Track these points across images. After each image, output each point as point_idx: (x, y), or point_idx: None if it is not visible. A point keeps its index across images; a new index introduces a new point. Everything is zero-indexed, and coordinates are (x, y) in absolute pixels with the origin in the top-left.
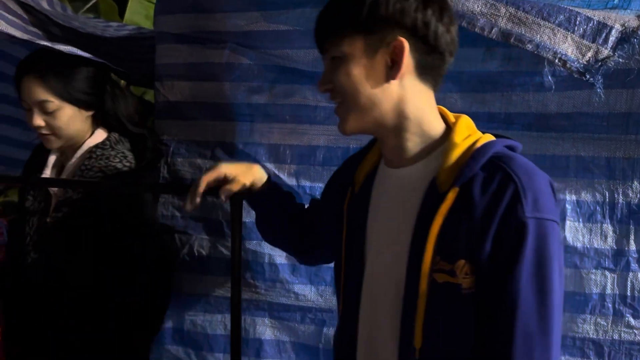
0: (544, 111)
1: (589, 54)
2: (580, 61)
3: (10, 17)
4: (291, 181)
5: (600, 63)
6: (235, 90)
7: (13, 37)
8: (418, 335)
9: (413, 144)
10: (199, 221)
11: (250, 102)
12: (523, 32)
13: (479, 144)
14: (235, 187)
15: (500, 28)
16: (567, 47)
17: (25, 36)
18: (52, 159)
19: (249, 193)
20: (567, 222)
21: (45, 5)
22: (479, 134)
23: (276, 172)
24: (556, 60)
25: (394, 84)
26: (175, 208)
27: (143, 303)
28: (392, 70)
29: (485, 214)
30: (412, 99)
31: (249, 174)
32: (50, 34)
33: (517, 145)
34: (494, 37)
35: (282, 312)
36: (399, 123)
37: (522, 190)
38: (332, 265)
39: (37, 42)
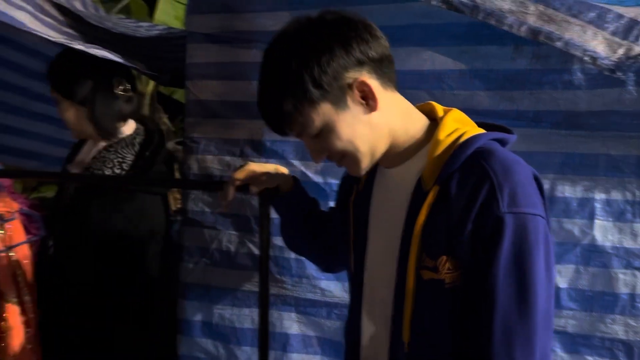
0: (574, 109)
1: (620, 51)
2: (611, 59)
3: (46, 18)
4: (318, 179)
5: (631, 60)
6: None
7: (48, 38)
8: (406, 330)
9: (400, 146)
10: (227, 217)
11: None
12: (552, 30)
13: (462, 140)
14: (262, 186)
15: (529, 25)
16: (597, 44)
17: (60, 37)
18: (84, 149)
19: (275, 193)
20: (597, 221)
21: (79, 6)
22: (468, 127)
23: (303, 169)
24: (586, 58)
25: (376, 114)
26: (205, 204)
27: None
28: (369, 105)
29: (462, 210)
30: (393, 114)
31: (276, 175)
32: (83, 34)
33: (508, 138)
34: (522, 34)
35: (309, 308)
36: (393, 138)
37: (497, 185)
38: None
39: (70, 44)
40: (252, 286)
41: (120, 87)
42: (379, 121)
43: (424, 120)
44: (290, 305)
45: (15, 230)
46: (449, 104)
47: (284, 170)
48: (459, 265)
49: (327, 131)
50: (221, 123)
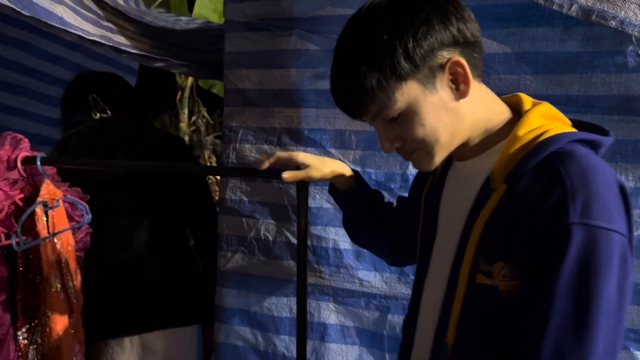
0: (627, 93)
1: None
2: None
3: (85, 12)
4: (356, 167)
5: None
6: (301, 77)
7: (83, 36)
8: (451, 332)
9: (477, 138)
10: (265, 206)
11: (317, 88)
12: (606, 9)
13: (542, 138)
14: (299, 175)
15: (580, 5)
16: None
17: (99, 32)
18: None
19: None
20: None
21: (120, 0)
22: (554, 124)
23: (341, 158)
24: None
25: (463, 102)
26: (243, 193)
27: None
28: (459, 90)
29: (526, 215)
30: (479, 103)
31: (321, 169)
32: (123, 28)
33: (602, 140)
34: (573, 14)
35: (347, 298)
36: (473, 130)
37: (570, 191)
38: None
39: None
40: (290, 275)
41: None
42: (465, 110)
43: (506, 113)
44: (328, 295)
45: (59, 217)
46: (494, 88)
47: (337, 164)
48: (517, 274)
49: (410, 114)
50: (259, 111)
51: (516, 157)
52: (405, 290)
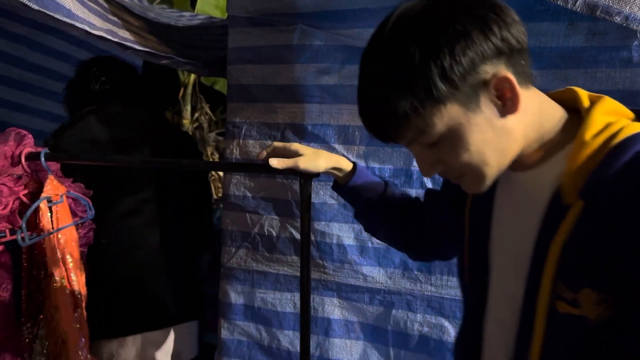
0: (632, 88)
1: None
2: None
3: (92, 4)
4: (359, 162)
5: None
6: (305, 72)
7: (89, 30)
8: None
9: (532, 147)
10: (269, 202)
11: (320, 84)
12: (610, 4)
13: (617, 140)
14: (288, 163)
15: (585, 0)
16: None
17: (105, 26)
18: None
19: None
20: None
21: None
22: (622, 122)
23: (345, 153)
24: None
25: (512, 118)
26: (247, 188)
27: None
28: (506, 106)
29: (618, 234)
30: (528, 112)
31: (313, 159)
32: (127, 23)
33: None
34: (578, 9)
35: (351, 293)
36: (525, 142)
37: None
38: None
39: (110, 38)
40: (294, 271)
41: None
42: (514, 125)
43: (560, 112)
44: (332, 290)
45: (63, 213)
46: None
47: (340, 163)
48: (606, 298)
49: (451, 139)
50: (263, 107)
51: (588, 167)
52: (409, 285)
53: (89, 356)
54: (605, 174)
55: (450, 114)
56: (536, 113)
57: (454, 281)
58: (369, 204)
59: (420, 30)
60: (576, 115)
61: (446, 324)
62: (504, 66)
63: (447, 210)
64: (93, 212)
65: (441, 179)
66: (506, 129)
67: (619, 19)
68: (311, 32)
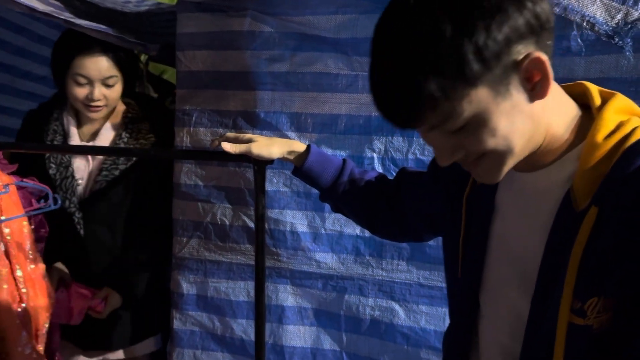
0: (571, 76)
1: (619, 17)
2: (609, 24)
3: None
4: None
5: (629, 26)
6: (256, 59)
7: (34, 10)
8: None
9: (544, 144)
10: (221, 190)
11: (272, 71)
12: None
13: (630, 142)
14: (241, 148)
15: None
16: (595, 9)
17: (47, 9)
18: (73, 129)
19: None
20: None
21: None
22: (634, 121)
23: (298, 140)
24: (584, 24)
25: (539, 103)
26: (198, 177)
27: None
28: (534, 90)
29: (627, 241)
30: (554, 102)
31: (266, 145)
32: (71, 7)
33: None
34: None
35: (304, 280)
36: (546, 134)
37: None
38: (354, 233)
39: (57, 16)
40: (247, 259)
41: None
42: (539, 111)
43: (574, 109)
44: (285, 278)
45: (9, 203)
46: None
47: (295, 147)
48: (610, 306)
49: (477, 124)
50: (214, 94)
51: (601, 170)
52: (361, 271)
53: (37, 354)
54: (619, 178)
55: (479, 97)
56: (557, 105)
57: (403, 265)
58: (330, 184)
59: (450, 3)
60: (586, 113)
61: (397, 307)
62: (534, 46)
63: (427, 194)
64: (51, 203)
65: (391, 168)
66: (533, 114)
67: (558, 10)
68: (262, 18)
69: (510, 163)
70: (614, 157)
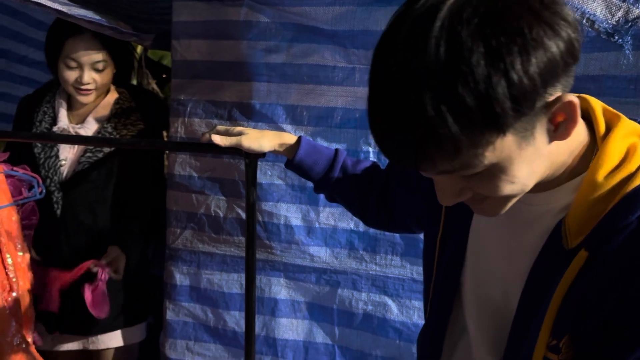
0: None
1: (619, 14)
2: (609, 21)
3: None
4: None
5: (630, 24)
6: (252, 50)
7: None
8: None
9: (553, 175)
10: (215, 182)
11: (268, 62)
12: None
13: (631, 187)
14: (231, 140)
15: None
16: (596, 6)
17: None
18: (63, 111)
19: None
20: None
21: None
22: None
23: (293, 133)
24: (584, 21)
25: (555, 143)
26: (193, 168)
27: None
28: (557, 131)
29: (616, 290)
30: (572, 140)
31: (257, 138)
32: None
33: None
34: None
35: (297, 273)
36: (552, 164)
37: None
38: (348, 227)
39: (49, 6)
40: (241, 251)
41: None
42: (556, 151)
43: (583, 137)
44: (278, 271)
45: None
46: None
47: (286, 140)
48: (577, 344)
49: (496, 171)
50: (209, 84)
51: (597, 210)
52: (354, 265)
53: (25, 343)
54: (614, 225)
55: (504, 145)
56: (573, 135)
57: (397, 260)
58: (322, 175)
59: (477, 28)
60: (590, 136)
61: (389, 302)
62: (563, 84)
63: (413, 187)
64: (39, 190)
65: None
66: (551, 155)
67: None
68: (259, 8)
69: (515, 200)
70: (613, 199)
